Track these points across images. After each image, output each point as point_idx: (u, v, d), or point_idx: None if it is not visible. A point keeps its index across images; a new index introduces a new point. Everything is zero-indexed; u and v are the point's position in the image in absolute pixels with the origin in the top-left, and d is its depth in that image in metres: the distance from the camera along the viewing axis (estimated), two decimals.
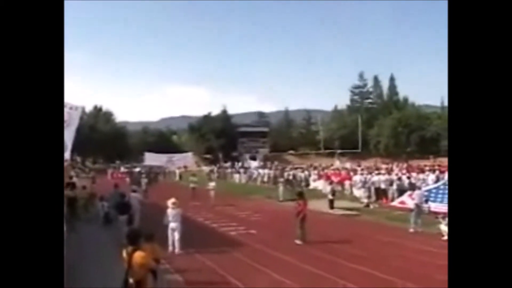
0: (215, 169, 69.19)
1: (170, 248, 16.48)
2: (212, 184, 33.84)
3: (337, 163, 63.09)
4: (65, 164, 20.11)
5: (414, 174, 35.14)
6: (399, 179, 32.64)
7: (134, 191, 23.25)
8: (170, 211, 16.88)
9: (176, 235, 16.78)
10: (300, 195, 19.44)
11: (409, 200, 25.41)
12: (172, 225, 16.80)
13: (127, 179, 49.77)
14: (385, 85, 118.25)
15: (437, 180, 30.75)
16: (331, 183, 32.30)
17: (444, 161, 57.68)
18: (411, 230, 20.42)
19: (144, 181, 39.05)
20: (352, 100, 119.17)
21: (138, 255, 7.73)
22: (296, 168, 55.04)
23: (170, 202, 17.03)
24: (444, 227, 18.66)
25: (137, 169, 61.06)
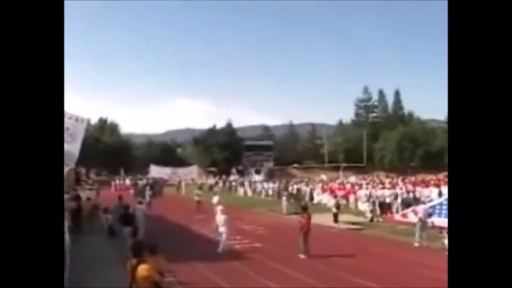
0: (220, 182, 69.13)
1: (220, 250, 18.59)
2: (216, 198, 33.80)
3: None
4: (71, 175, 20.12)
5: (418, 189, 35.02)
6: (408, 192, 32.56)
7: (140, 202, 23.34)
8: (218, 217, 19.22)
9: (224, 237, 18.89)
10: (304, 209, 19.44)
11: (411, 215, 25.35)
12: (220, 229, 18.92)
13: (131, 191, 49.65)
14: (390, 99, 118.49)
15: (441, 194, 30.66)
16: (335, 197, 32.25)
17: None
18: (416, 244, 20.35)
19: (148, 193, 38.88)
20: (357, 114, 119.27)
21: (142, 268, 7.74)
22: (300, 182, 54.94)
23: (219, 208, 19.70)
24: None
25: (142, 181, 61.05)
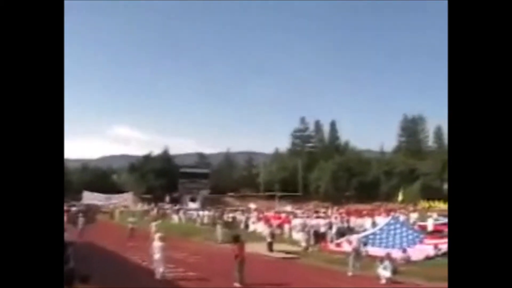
0: (155, 209, 68.31)
1: (157, 277, 18.34)
2: (154, 224, 33.32)
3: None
4: None
5: (353, 218, 35.57)
6: (342, 222, 33.03)
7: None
8: (155, 244, 18.92)
9: (161, 265, 18.55)
10: (236, 238, 19.41)
11: (346, 245, 25.67)
12: (156, 256, 18.62)
13: (64, 218, 48.39)
14: (326, 129, 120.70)
15: (375, 224, 31.25)
16: (270, 226, 32.30)
17: (381, 204, 58.74)
18: (350, 273, 20.53)
19: (81, 220, 37.93)
20: (293, 144, 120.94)
21: None
22: (235, 210, 55.00)
23: (157, 236, 19.51)
24: (381, 271, 18.91)
25: (74, 208, 59.78)
